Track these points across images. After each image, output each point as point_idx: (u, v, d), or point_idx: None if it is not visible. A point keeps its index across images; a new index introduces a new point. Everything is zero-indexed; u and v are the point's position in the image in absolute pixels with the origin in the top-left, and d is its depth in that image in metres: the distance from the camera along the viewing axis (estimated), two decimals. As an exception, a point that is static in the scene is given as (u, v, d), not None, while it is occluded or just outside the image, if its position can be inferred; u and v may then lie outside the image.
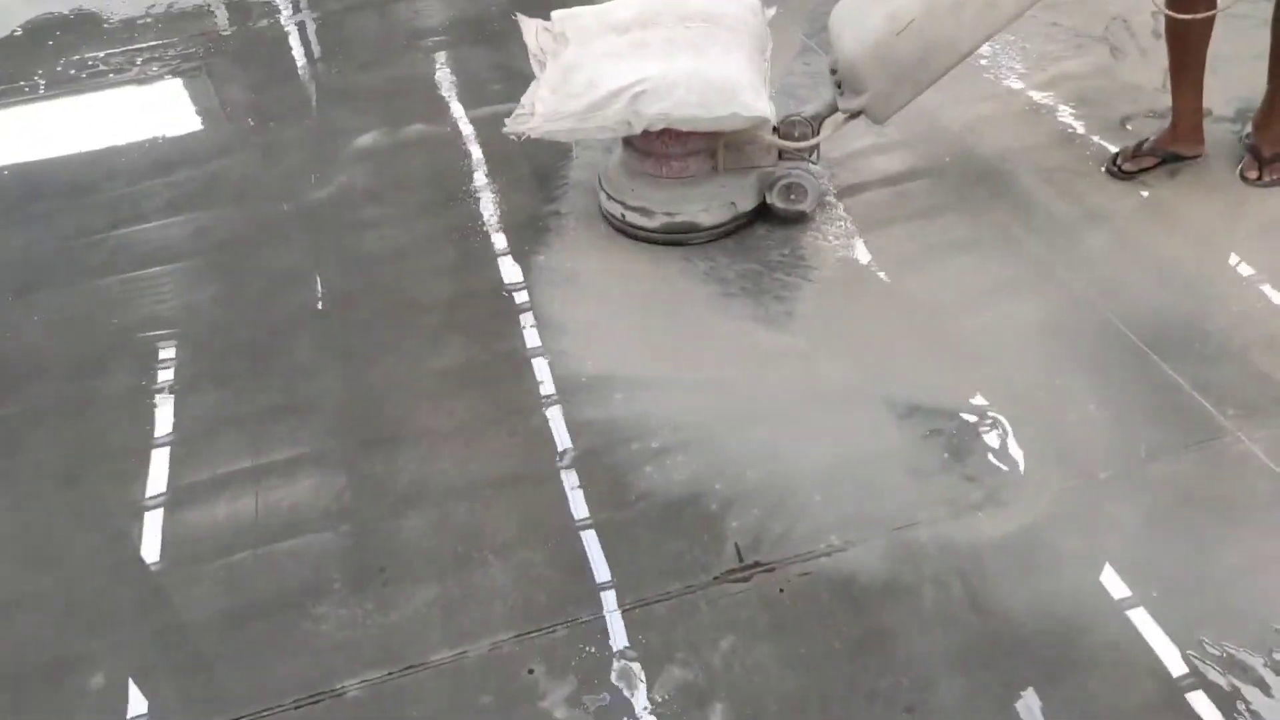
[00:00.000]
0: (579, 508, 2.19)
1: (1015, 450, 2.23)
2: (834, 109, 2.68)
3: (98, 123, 3.94)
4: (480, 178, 3.28)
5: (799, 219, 2.80)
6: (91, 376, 2.67)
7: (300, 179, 3.43)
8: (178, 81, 4.20)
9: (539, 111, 2.45)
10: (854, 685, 1.82)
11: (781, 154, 2.70)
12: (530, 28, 2.75)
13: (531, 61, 2.66)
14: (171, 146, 3.71)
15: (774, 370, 2.47)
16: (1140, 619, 1.88)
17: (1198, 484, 2.12)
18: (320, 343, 2.72)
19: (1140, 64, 3.62)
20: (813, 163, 2.74)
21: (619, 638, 1.93)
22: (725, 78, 2.42)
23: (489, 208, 3.13)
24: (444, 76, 4.03)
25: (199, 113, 3.99)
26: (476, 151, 3.44)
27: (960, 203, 3.00)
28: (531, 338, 2.64)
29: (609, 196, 2.78)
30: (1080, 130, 3.30)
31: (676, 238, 2.73)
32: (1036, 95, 3.49)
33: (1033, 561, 1.99)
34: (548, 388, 2.50)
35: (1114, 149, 3.10)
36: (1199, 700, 1.75)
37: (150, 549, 2.20)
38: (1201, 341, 2.45)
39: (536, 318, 2.69)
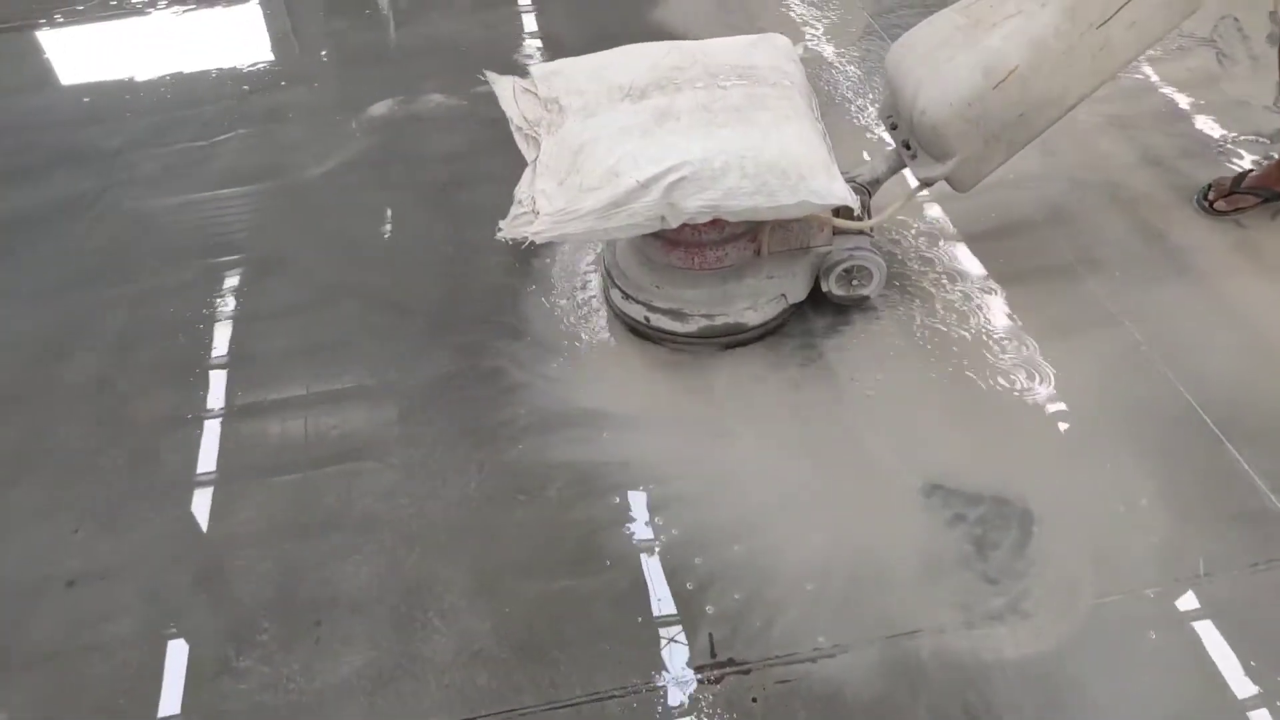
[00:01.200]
0: (539, 569, 2.00)
1: (1048, 548, 1.97)
2: (894, 171, 2.31)
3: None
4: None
5: (859, 304, 2.40)
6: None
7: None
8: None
9: (544, 210, 1.96)
10: (822, 831, 1.61)
11: (836, 230, 2.28)
12: (506, 89, 2.23)
13: (515, 136, 2.15)
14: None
15: (785, 425, 2.23)
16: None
17: (1265, 612, 1.83)
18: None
19: (1251, 75, 3.21)
20: (869, 234, 2.33)
21: (562, 738, 1.74)
22: (787, 156, 1.97)
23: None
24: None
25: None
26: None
27: (1021, 232, 2.68)
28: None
29: (625, 295, 2.32)
30: (1170, 153, 2.93)
31: (717, 342, 2.32)
32: (1122, 108, 3.11)
33: (1053, 697, 1.75)
34: (529, 418, 2.29)
35: (1208, 180, 2.73)
36: None
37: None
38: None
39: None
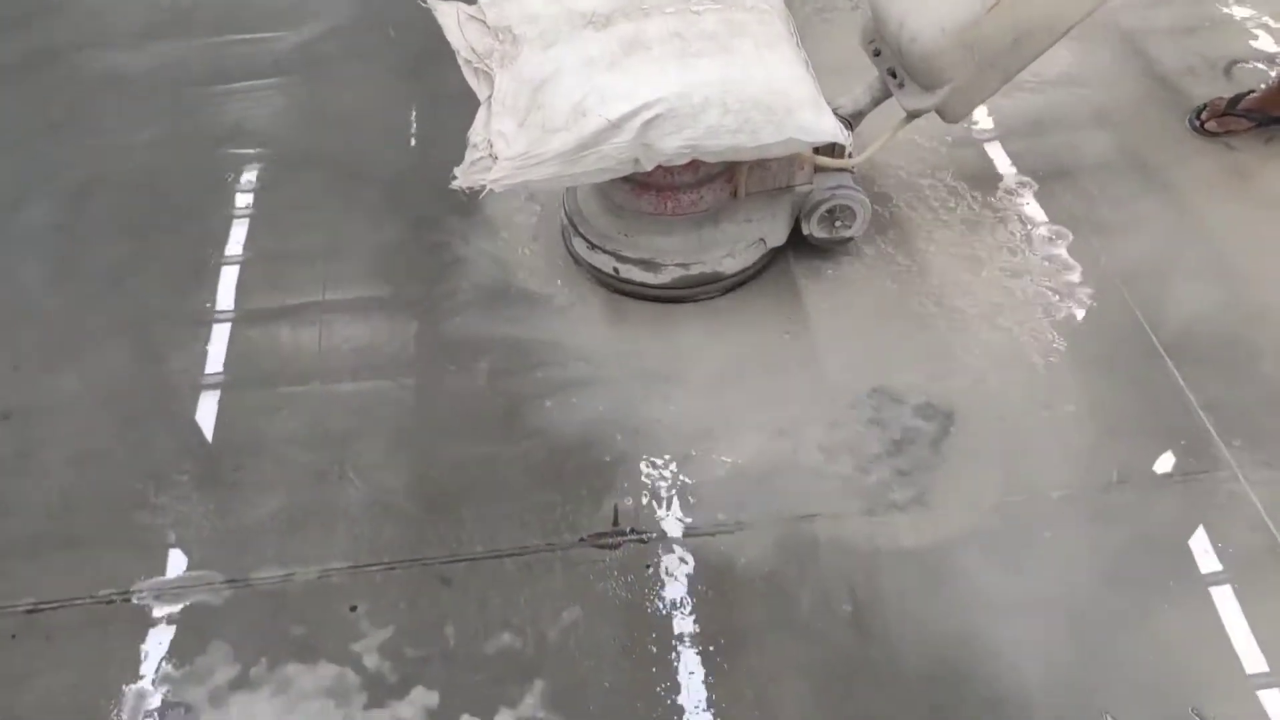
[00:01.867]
0: (459, 436, 2.05)
1: (965, 446, 1.99)
2: (878, 102, 2.16)
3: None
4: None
5: (841, 244, 2.28)
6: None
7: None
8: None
9: (504, 155, 1.80)
10: (689, 689, 1.68)
11: (817, 167, 2.15)
12: (450, 16, 2.02)
13: (464, 71, 1.96)
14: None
15: (738, 333, 2.22)
16: (1036, 678, 1.67)
17: (1167, 524, 1.86)
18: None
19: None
20: (852, 171, 2.19)
21: (457, 588, 1.82)
22: (772, 89, 1.83)
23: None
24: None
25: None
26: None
27: (1011, 139, 2.63)
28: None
29: (591, 245, 2.17)
30: (1175, 69, 2.83)
31: (692, 292, 2.18)
32: (1127, 19, 3.00)
33: (939, 584, 1.79)
34: (470, 293, 2.33)
35: (1205, 99, 2.65)
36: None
37: None
38: (1231, 352, 2.12)
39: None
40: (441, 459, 2.01)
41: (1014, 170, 2.53)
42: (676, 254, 2.13)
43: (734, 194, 2.13)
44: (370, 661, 1.72)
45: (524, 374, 2.15)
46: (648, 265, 2.14)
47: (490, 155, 1.83)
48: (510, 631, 1.75)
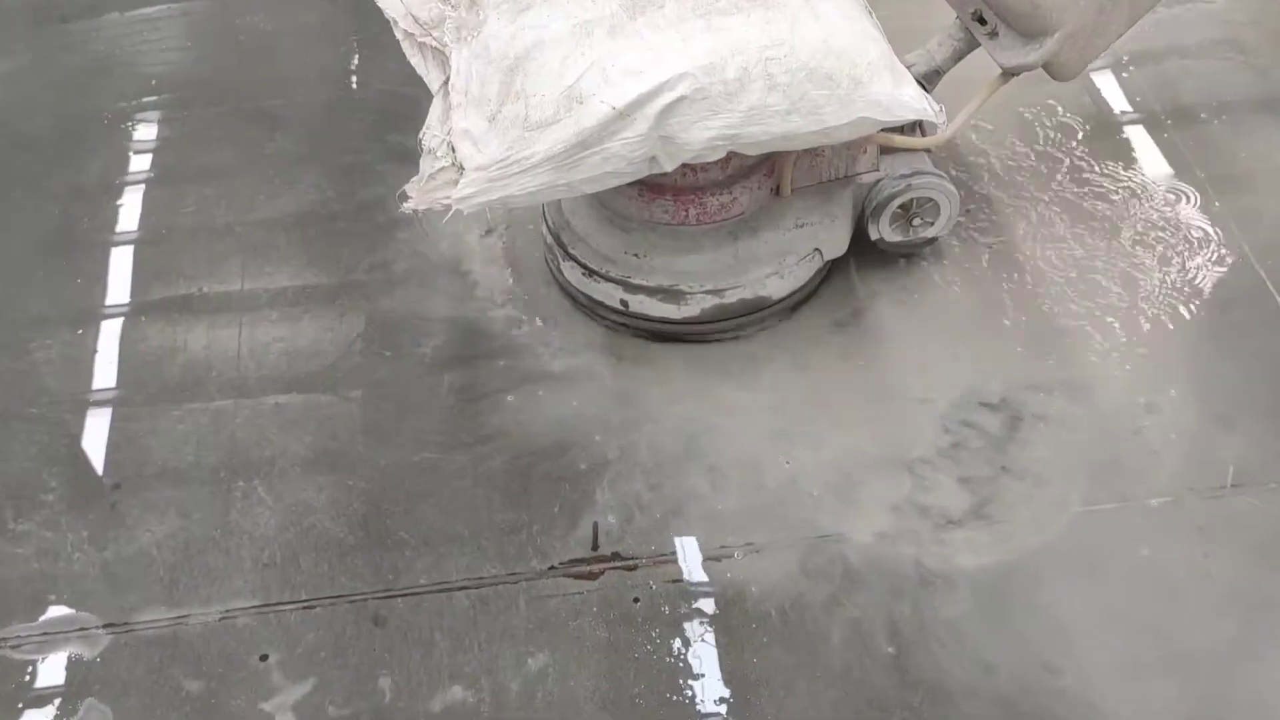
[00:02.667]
0: (396, 439, 2.05)
1: (1045, 450, 1.98)
2: (960, 56, 2.06)
3: None
4: None
5: (919, 249, 2.18)
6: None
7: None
8: None
9: (473, 163, 1.69)
10: (690, 754, 1.68)
11: (884, 147, 2.02)
12: None
13: (404, 47, 1.87)
14: None
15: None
16: (1125, 725, 1.66)
17: (1290, 536, 1.85)
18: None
19: None
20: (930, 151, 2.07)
21: (395, 629, 1.81)
22: (832, 52, 1.71)
23: None
24: None
25: None
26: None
27: (1119, 68, 2.61)
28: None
29: (589, 272, 2.04)
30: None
31: (730, 325, 2.07)
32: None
33: (1004, 615, 1.78)
34: (410, 260, 2.33)
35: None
36: None
37: None
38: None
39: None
40: (374, 468, 2.01)
41: (1129, 111, 2.52)
42: (706, 277, 2.00)
43: (776, 191, 2.03)
44: (285, 723, 1.72)
45: (480, 363, 2.15)
46: (668, 295, 2.01)
47: (454, 164, 1.71)
48: (462, 683, 1.74)
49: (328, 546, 1.91)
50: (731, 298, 2.02)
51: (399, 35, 1.89)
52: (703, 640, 1.78)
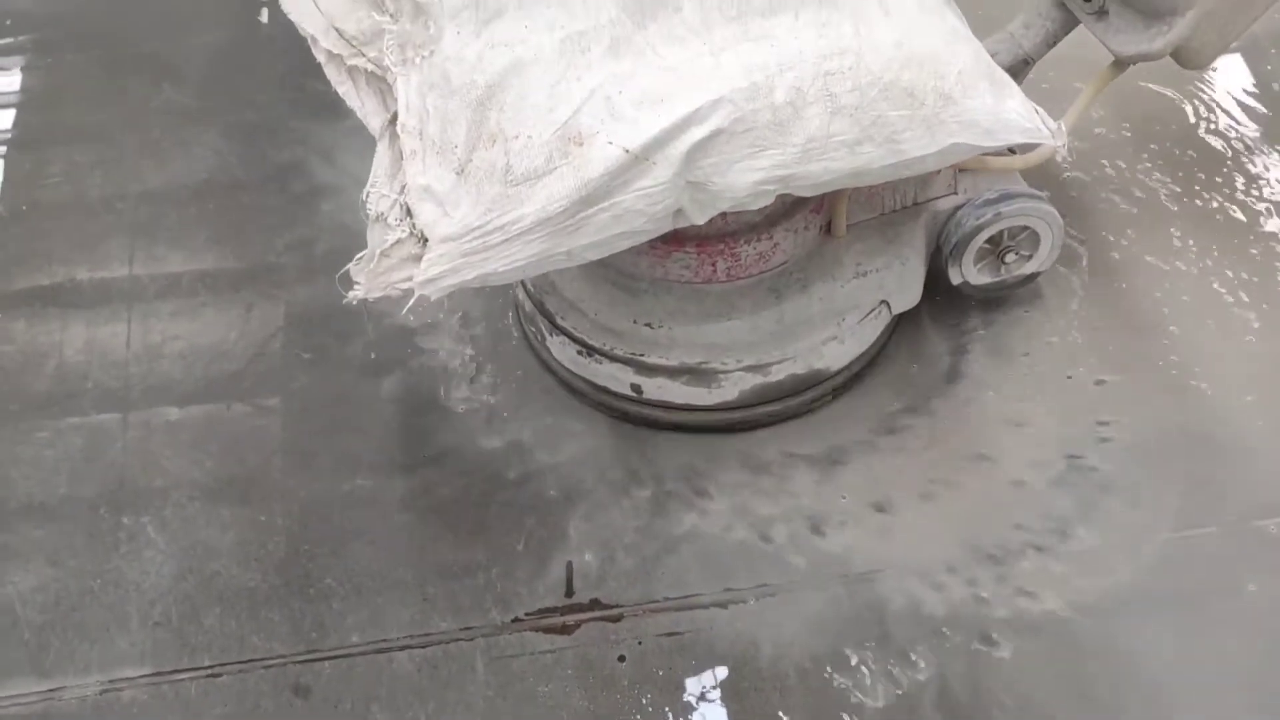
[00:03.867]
0: (323, 459, 2.05)
1: (1123, 466, 1.98)
2: (1054, 41, 2.02)
3: None
4: None
5: (1011, 290, 2.12)
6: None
7: None
8: None
9: (441, 233, 1.57)
10: None
11: (961, 167, 1.94)
12: None
13: (329, 72, 1.75)
14: None
15: None
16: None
17: None
18: None
19: None
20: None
21: (320, 700, 1.79)
22: (910, 59, 1.62)
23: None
24: None
25: None
26: None
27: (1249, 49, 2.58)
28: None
29: (586, 350, 1.97)
30: None
31: (776, 410, 2.00)
32: None
33: (1074, 668, 1.78)
34: (334, 239, 2.33)
35: None
36: None
37: None
38: None
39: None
40: (293, 499, 2.00)
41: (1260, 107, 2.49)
42: (744, 350, 1.92)
43: (828, 230, 1.95)
44: (183, 827, 1.70)
45: (422, 362, 2.15)
46: (696, 375, 1.92)
47: (413, 234, 1.59)
48: (402, 771, 1.73)
49: (236, 598, 1.90)
50: (778, 373, 1.93)
51: (320, 57, 1.74)
52: (709, 705, 1.77)
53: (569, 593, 1.88)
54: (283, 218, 2.37)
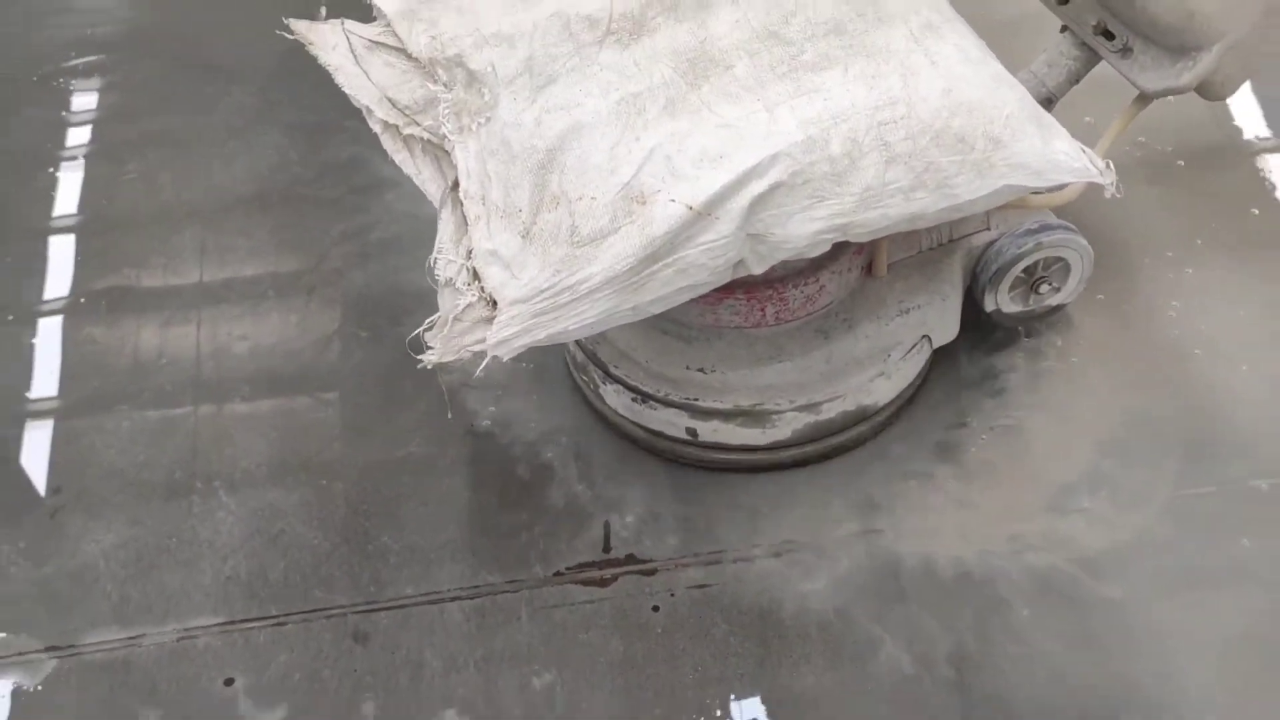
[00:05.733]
0: (380, 429, 2.11)
1: (1118, 419, 2.03)
2: (1077, 78, 1.97)
3: None
4: None
5: (1042, 319, 2.10)
6: None
7: None
8: None
9: (510, 296, 1.53)
10: (720, 782, 1.73)
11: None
12: (338, 49, 1.76)
13: (385, 142, 1.73)
14: None
15: None
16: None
17: None
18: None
19: None
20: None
21: (379, 647, 1.86)
22: (959, 106, 1.59)
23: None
24: None
25: None
26: None
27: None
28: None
29: (641, 397, 1.92)
30: None
31: (827, 446, 1.97)
32: None
33: (1084, 621, 1.82)
34: (388, 228, 2.39)
35: None
36: None
37: None
38: None
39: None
40: (351, 465, 2.06)
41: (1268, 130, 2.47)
42: (795, 390, 1.87)
43: (869, 270, 1.92)
44: (254, 755, 1.77)
45: None
46: (751, 417, 1.89)
47: (484, 298, 1.55)
48: (456, 708, 1.79)
49: (300, 555, 1.96)
50: (830, 411, 1.90)
51: (376, 127, 1.71)
52: (733, 654, 1.82)
53: (606, 549, 1.93)
54: (339, 210, 2.42)
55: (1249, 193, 2.30)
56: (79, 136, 2.64)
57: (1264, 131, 2.39)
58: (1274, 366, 2.07)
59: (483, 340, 1.51)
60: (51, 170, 2.56)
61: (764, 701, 1.78)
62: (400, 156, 1.72)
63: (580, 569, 1.92)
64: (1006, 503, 1.95)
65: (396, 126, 1.70)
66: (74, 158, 2.59)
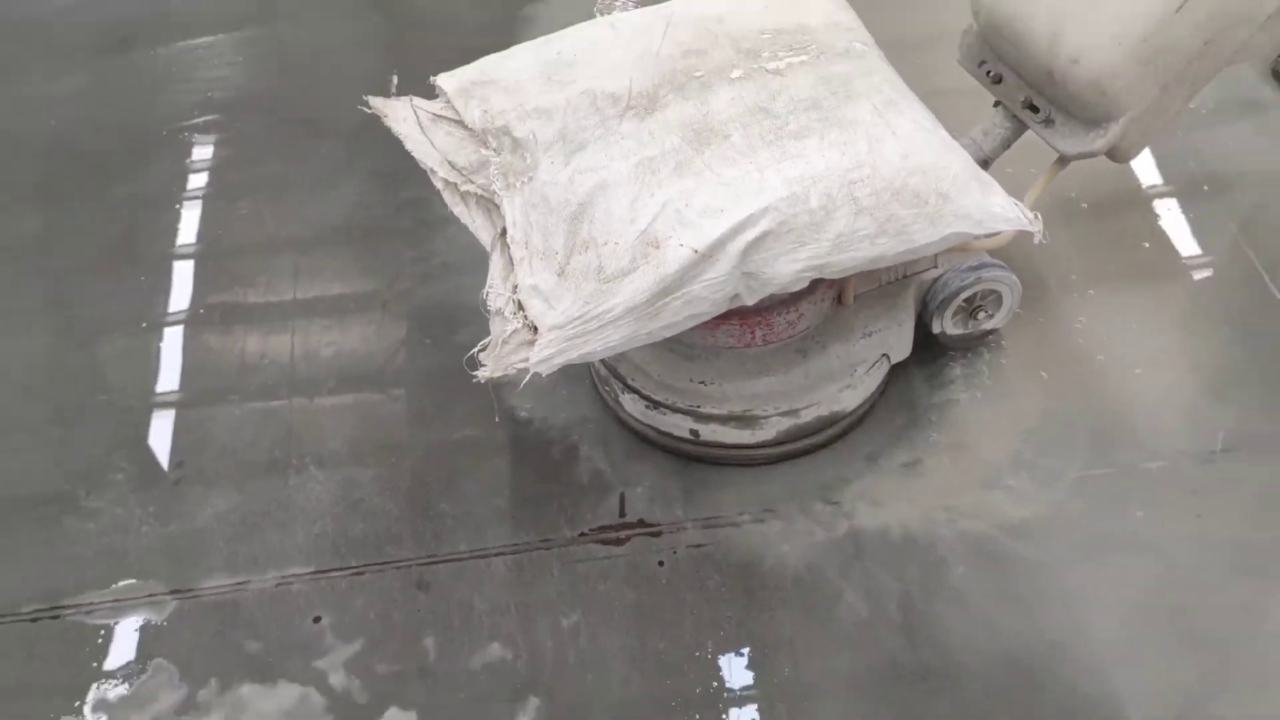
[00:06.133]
0: (440, 418, 2.11)
1: (1036, 412, 2.02)
2: (1008, 144, 1.94)
3: None
4: None
5: (979, 341, 2.09)
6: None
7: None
8: None
9: (548, 323, 1.53)
10: (714, 702, 1.72)
11: None
12: (408, 120, 1.77)
13: (446, 196, 1.72)
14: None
15: None
16: (1129, 685, 1.69)
17: (1283, 498, 1.87)
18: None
19: None
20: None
21: (437, 593, 1.87)
22: (916, 168, 1.58)
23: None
24: None
25: None
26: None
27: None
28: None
29: (653, 404, 1.90)
30: None
31: (805, 444, 1.97)
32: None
33: (1009, 577, 1.82)
34: (448, 254, 2.39)
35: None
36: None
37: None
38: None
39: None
40: (417, 446, 2.07)
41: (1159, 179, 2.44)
42: (779, 399, 1.87)
43: (839, 301, 1.91)
44: (337, 680, 1.78)
45: None
46: (742, 421, 1.88)
47: (526, 324, 1.55)
48: (500, 641, 1.80)
49: (374, 518, 1.97)
50: (807, 416, 1.89)
51: (438, 184, 1.72)
52: (724, 601, 1.82)
53: (621, 515, 1.94)
54: (409, 240, 2.42)
55: (1142, 231, 2.29)
56: (199, 180, 2.64)
57: (1155, 180, 2.37)
58: (1161, 371, 2.06)
59: (526, 359, 1.52)
60: (177, 207, 2.57)
61: (747, 640, 1.78)
62: (458, 209, 1.72)
63: (600, 531, 1.92)
64: (945, 481, 1.94)
65: (455, 184, 1.71)
66: (195, 198, 2.60)
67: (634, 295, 1.51)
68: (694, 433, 1.91)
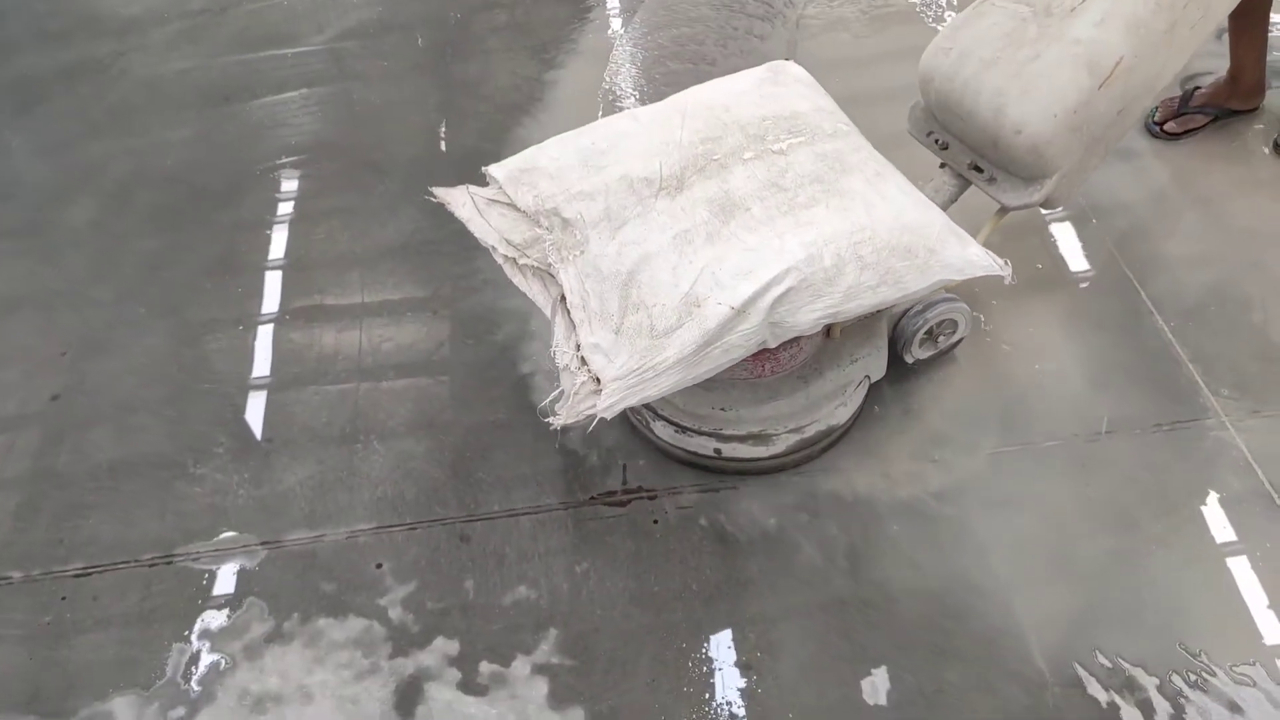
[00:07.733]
0: (479, 404, 2.06)
1: (957, 401, 1.96)
2: (953, 200, 1.89)
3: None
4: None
5: (944, 354, 2.01)
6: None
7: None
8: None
9: (610, 375, 1.47)
10: (697, 630, 1.68)
11: None
12: (465, 206, 1.69)
13: (506, 269, 1.65)
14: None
15: None
16: (1028, 616, 1.66)
17: (1155, 470, 1.83)
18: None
19: None
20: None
21: (476, 544, 1.83)
22: (906, 228, 1.53)
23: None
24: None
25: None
26: None
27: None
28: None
29: (681, 429, 1.82)
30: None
31: (806, 455, 1.88)
32: None
33: (935, 531, 1.78)
34: (489, 271, 2.32)
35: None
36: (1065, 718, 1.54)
37: None
38: (1220, 305, 2.08)
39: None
40: (460, 426, 2.03)
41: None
42: (787, 419, 1.80)
43: (828, 334, 1.84)
44: (395, 614, 1.74)
45: (536, 344, 2.16)
46: (758, 439, 1.80)
47: (591, 378, 1.48)
48: (526, 584, 1.77)
49: (425, 483, 1.93)
50: (810, 431, 1.82)
51: (499, 260, 1.64)
52: (706, 551, 1.79)
53: (624, 482, 1.90)
54: (455, 259, 2.37)
55: (1039, 252, 2.23)
56: (286, 209, 2.59)
57: (1052, 211, 2.32)
58: (1055, 364, 2.01)
59: (593, 407, 1.46)
60: (268, 231, 2.52)
61: (724, 582, 1.75)
62: (517, 280, 1.64)
63: (606, 494, 1.88)
64: (885, 455, 1.90)
65: (514, 259, 1.63)
66: (283, 222, 2.54)
67: (682, 348, 1.45)
68: (717, 450, 1.83)
